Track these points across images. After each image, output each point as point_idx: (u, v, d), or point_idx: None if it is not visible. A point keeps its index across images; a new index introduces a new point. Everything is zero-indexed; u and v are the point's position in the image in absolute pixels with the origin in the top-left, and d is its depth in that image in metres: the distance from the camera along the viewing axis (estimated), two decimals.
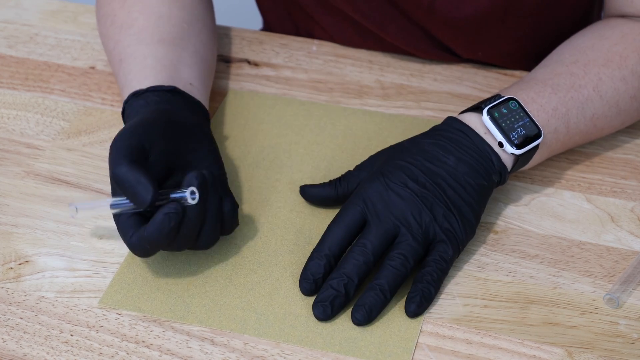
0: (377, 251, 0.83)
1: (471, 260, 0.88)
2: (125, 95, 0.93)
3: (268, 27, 1.22)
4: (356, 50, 1.11)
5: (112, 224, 0.91)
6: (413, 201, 0.84)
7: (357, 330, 0.81)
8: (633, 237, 0.90)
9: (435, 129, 0.90)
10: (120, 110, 1.03)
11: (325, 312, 0.81)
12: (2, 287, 0.86)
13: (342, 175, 0.91)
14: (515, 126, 0.87)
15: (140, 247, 0.81)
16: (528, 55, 1.08)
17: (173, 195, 0.81)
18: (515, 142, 0.87)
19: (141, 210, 0.81)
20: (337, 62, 1.10)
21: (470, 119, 0.89)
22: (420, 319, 0.82)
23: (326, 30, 1.13)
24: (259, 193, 0.93)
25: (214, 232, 0.84)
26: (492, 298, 0.85)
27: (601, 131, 0.95)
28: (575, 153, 0.98)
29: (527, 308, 0.84)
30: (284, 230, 0.90)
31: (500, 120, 0.87)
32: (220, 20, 1.15)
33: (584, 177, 0.96)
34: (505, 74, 1.08)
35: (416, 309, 0.81)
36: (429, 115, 1.02)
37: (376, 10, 1.06)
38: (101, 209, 0.83)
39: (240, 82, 1.07)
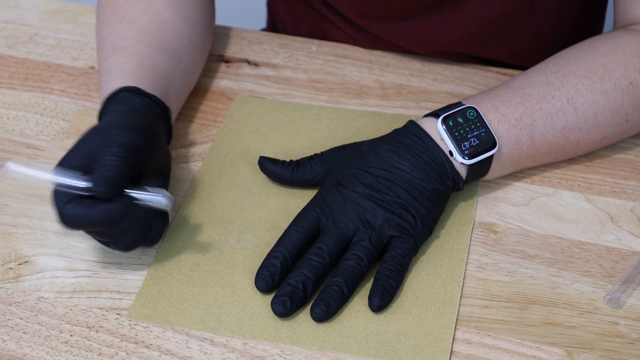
0: (332, 253, 0.84)
1: (471, 260, 0.88)
2: (119, 82, 0.91)
3: (284, 28, 1.22)
4: (356, 50, 1.11)
5: None
6: (368, 206, 0.86)
7: (392, 334, 0.81)
8: (633, 237, 0.90)
9: (394, 133, 0.91)
10: None
11: (284, 306, 0.82)
12: (1, 287, 0.86)
13: (300, 160, 0.93)
14: (469, 136, 0.88)
15: (74, 217, 0.79)
16: (550, 52, 1.07)
17: (152, 197, 0.81)
18: (466, 152, 0.88)
19: (86, 193, 0.80)
20: (337, 62, 1.10)
21: (428, 125, 0.90)
22: (452, 318, 0.82)
23: (343, 30, 1.13)
24: (278, 199, 0.92)
25: (141, 238, 0.84)
26: (492, 298, 0.85)
27: (577, 145, 0.93)
28: None
29: (526, 308, 0.84)
30: None
31: (454, 130, 0.88)
32: (220, 20, 1.15)
33: (583, 177, 0.96)
34: (505, 74, 1.08)
35: (379, 302, 0.82)
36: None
37: (390, 19, 1.06)
38: (42, 174, 0.80)
39: (240, 82, 1.07)
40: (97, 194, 0.79)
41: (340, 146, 0.93)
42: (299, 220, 0.87)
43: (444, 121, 0.89)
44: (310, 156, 0.93)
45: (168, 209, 0.81)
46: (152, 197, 0.81)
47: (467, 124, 0.88)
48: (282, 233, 0.87)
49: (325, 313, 0.82)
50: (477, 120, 0.89)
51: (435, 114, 0.90)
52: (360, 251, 0.84)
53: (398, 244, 0.85)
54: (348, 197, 0.87)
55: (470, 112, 0.89)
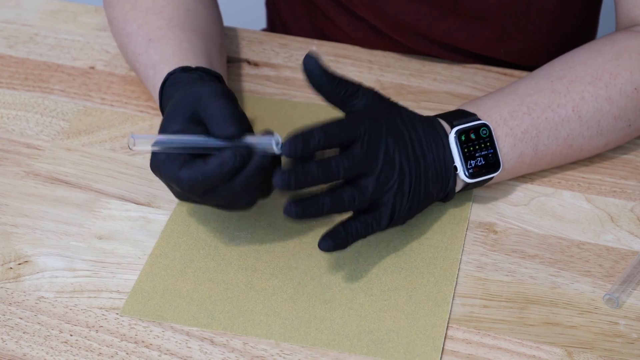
0: (346, 177, 0.82)
1: (471, 260, 0.88)
2: (166, 71, 0.91)
3: (284, 26, 1.22)
4: (356, 50, 1.11)
5: (112, 223, 0.91)
6: (391, 169, 0.83)
7: (384, 332, 0.81)
8: (632, 237, 0.90)
9: (429, 120, 0.88)
10: (120, 110, 1.03)
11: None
12: (1, 287, 0.86)
13: (349, 90, 0.86)
14: (477, 155, 0.88)
15: (191, 180, 0.79)
16: (548, 52, 1.07)
17: (259, 140, 0.79)
18: (470, 170, 0.88)
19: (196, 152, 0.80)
20: (337, 62, 1.10)
21: (447, 129, 0.89)
22: (445, 317, 0.82)
23: (342, 29, 1.13)
24: (275, 197, 0.92)
25: (259, 190, 0.83)
26: (492, 298, 0.85)
27: (579, 152, 0.93)
28: None
29: (526, 308, 0.84)
30: (301, 234, 0.89)
31: (464, 146, 0.88)
32: None
33: (583, 177, 0.96)
34: (505, 74, 1.08)
35: (331, 245, 0.81)
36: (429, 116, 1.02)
37: (392, 7, 1.06)
38: (159, 142, 0.79)
39: (240, 82, 1.07)
40: (223, 140, 0.79)
41: (383, 99, 0.88)
42: (347, 124, 0.83)
43: (458, 135, 0.87)
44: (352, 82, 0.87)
45: (277, 151, 0.79)
46: (259, 140, 0.79)
47: (477, 142, 0.88)
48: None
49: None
50: (487, 139, 0.88)
51: (449, 121, 0.89)
52: (359, 198, 0.81)
53: (379, 215, 0.83)
54: (388, 152, 0.83)
55: (483, 130, 0.88)
